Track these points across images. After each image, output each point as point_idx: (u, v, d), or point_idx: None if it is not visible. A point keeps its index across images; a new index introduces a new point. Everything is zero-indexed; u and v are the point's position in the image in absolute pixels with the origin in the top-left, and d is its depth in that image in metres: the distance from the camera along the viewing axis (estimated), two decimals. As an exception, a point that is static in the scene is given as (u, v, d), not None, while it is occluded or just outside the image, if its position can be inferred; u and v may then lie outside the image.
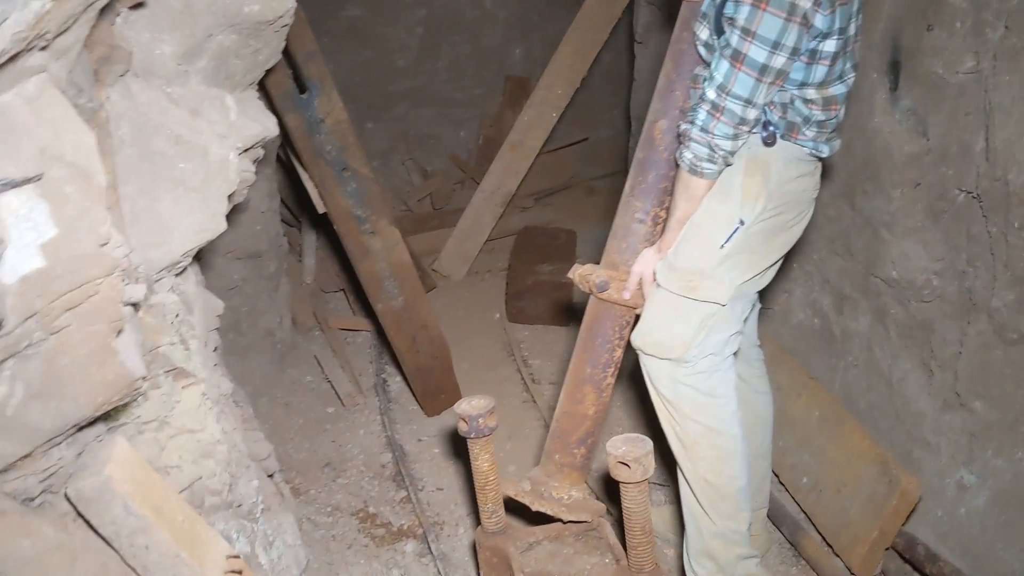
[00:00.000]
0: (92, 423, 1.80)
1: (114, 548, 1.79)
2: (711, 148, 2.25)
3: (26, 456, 1.64)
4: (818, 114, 2.32)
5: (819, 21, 2.14)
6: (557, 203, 6.11)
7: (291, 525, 2.67)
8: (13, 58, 1.32)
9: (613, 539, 2.50)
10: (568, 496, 2.64)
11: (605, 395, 2.63)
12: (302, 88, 3.36)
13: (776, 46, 2.12)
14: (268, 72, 2.69)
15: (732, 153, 2.28)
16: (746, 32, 2.12)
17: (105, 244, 1.57)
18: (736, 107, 2.19)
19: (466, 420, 2.46)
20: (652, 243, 2.52)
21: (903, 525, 2.76)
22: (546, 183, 6.06)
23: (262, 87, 2.85)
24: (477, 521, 3.17)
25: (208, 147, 2.14)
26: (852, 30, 2.28)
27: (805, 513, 3.08)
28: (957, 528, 2.69)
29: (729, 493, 2.48)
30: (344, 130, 3.45)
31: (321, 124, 3.39)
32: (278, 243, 4.11)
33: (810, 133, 2.34)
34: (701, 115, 2.24)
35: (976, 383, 2.60)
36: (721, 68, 2.19)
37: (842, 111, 2.39)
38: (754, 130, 2.32)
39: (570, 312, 4.61)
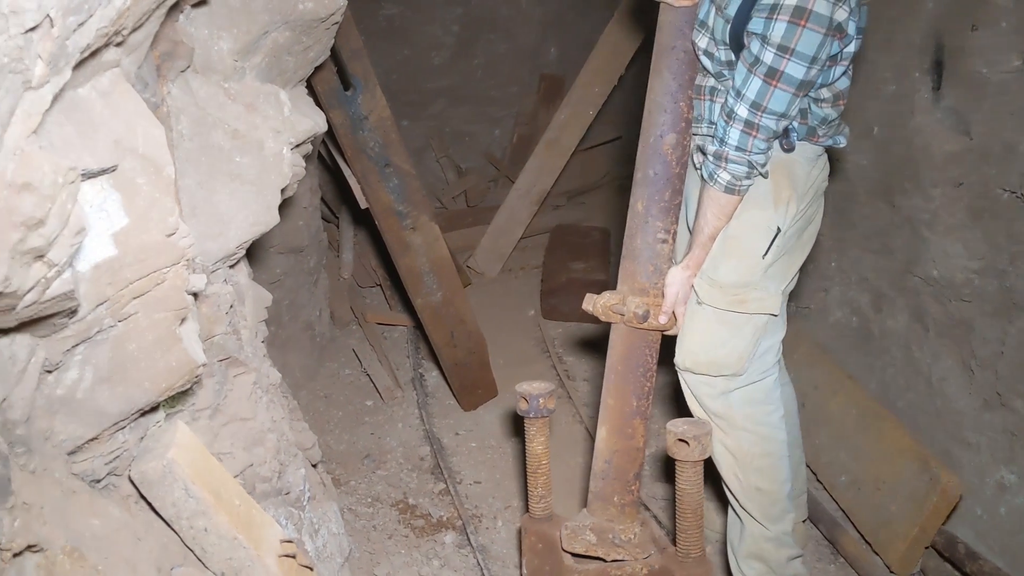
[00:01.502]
0: (154, 409, 1.86)
1: (174, 529, 1.85)
2: (750, 166, 2.22)
3: (94, 439, 1.70)
4: (830, 112, 2.32)
5: (851, 28, 2.14)
6: (590, 201, 6.13)
7: (335, 514, 2.71)
8: (94, 53, 1.37)
9: (658, 531, 2.52)
10: (635, 535, 2.49)
11: (646, 425, 2.53)
12: (346, 85, 3.41)
13: (814, 60, 2.09)
14: (315, 69, 2.75)
15: (765, 164, 2.26)
16: (783, 49, 2.07)
17: (172, 234, 1.62)
18: (771, 122, 2.16)
19: (527, 399, 2.47)
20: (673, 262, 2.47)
21: (943, 524, 2.76)
22: (579, 181, 6.08)
23: (308, 84, 2.90)
24: (514, 515, 3.23)
25: (264, 141, 2.19)
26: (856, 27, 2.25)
27: (843, 511, 3.09)
28: (997, 527, 2.69)
29: (779, 498, 2.48)
30: (387, 127, 3.50)
31: (365, 121, 3.44)
32: (319, 238, 4.17)
33: (824, 131, 2.35)
34: (734, 134, 2.19)
35: (1017, 382, 2.60)
36: (752, 86, 2.14)
37: (838, 109, 2.38)
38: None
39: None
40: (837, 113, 2.34)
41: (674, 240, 2.45)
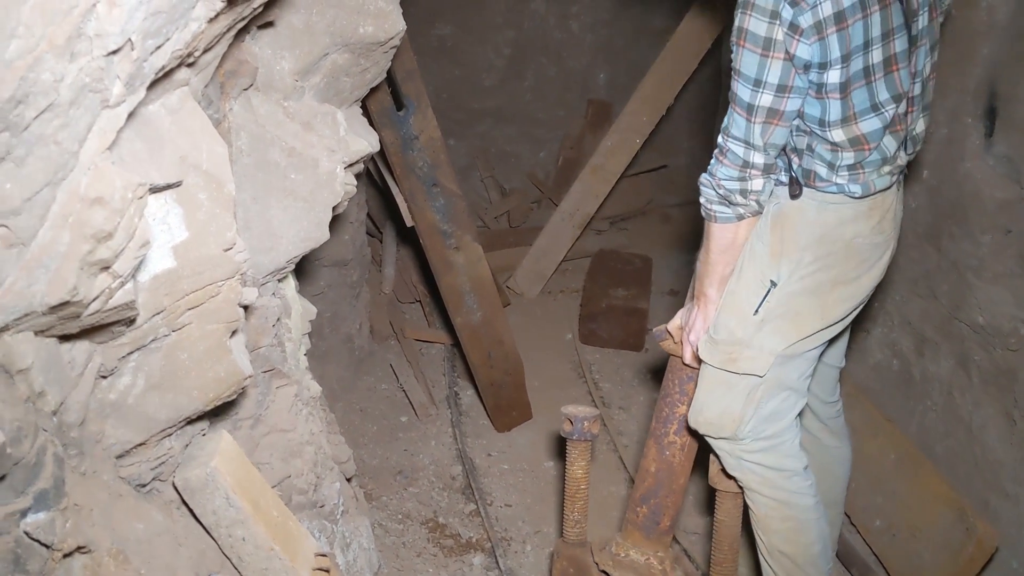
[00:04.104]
0: (200, 417, 1.90)
1: (213, 537, 1.89)
2: (715, 189, 2.17)
3: (141, 444, 1.74)
4: (847, 157, 2.12)
5: (802, 51, 1.97)
6: (632, 228, 6.13)
7: (366, 529, 2.74)
8: (167, 73, 1.42)
9: (689, 567, 2.51)
10: (625, 555, 2.51)
11: (668, 453, 2.47)
12: (399, 105, 3.46)
13: (758, 83, 2.01)
14: (371, 90, 2.80)
15: (746, 194, 2.15)
16: (735, 72, 2.04)
17: (229, 249, 1.67)
18: (737, 148, 2.10)
19: (572, 421, 2.47)
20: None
21: (978, 575, 2.72)
22: (622, 207, 6.09)
23: (362, 103, 2.95)
24: (544, 540, 3.23)
25: (318, 160, 2.24)
26: (877, 58, 2.04)
27: (876, 555, 3.05)
28: (1034, 581, 2.65)
29: (807, 560, 2.39)
30: (436, 147, 3.55)
31: (415, 141, 3.49)
32: (363, 252, 4.22)
33: (840, 178, 2.15)
34: (712, 160, 2.18)
35: (1061, 436, 2.57)
36: (728, 112, 2.12)
37: (887, 147, 2.15)
38: (779, 180, 2.22)
39: (642, 338, 4.63)
40: (858, 159, 2.12)
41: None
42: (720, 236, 2.25)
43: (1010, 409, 2.79)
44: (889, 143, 2.15)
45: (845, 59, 2.00)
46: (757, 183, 2.14)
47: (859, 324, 3.60)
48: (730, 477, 2.39)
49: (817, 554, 2.39)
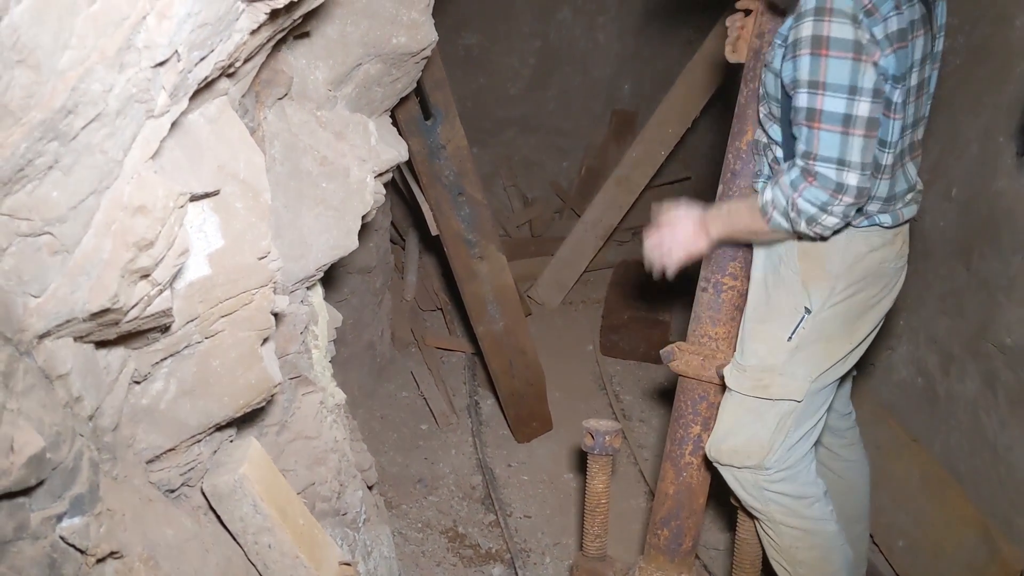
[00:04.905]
0: (229, 424, 1.91)
1: (239, 543, 1.89)
2: (788, 203, 2.00)
3: (172, 449, 1.75)
4: (882, 187, 2.07)
5: (884, 61, 1.90)
6: (654, 239, 6.12)
7: (387, 537, 2.74)
8: (209, 84, 1.43)
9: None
10: None
11: (686, 475, 2.46)
12: (427, 114, 3.48)
13: (853, 91, 1.87)
14: (400, 99, 2.81)
15: (814, 224, 2.00)
16: (813, 84, 1.89)
17: (263, 257, 1.67)
18: (829, 171, 1.92)
19: (593, 435, 2.47)
20: (715, 310, 2.40)
21: (1003, 597, 2.70)
22: (645, 219, 6.04)
23: (391, 112, 2.97)
24: (563, 552, 3.22)
25: (350, 168, 2.25)
26: (915, 81, 2.01)
27: (898, 575, 3.03)
28: (1060, 606, 2.62)
29: None
30: (463, 157, 3.56)
31: (442, 150, 3.50)
32: (386, 260, 4.24)
33: (873, 207, 2.10)
34: (794, 172, 1.99)
35: (1091, 459, 2.54)
36: (802, 134, 1.96)
37: (909, 173, 2.15)
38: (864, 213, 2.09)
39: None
40: (891, 190, 2.10)
41: (715, 290, 2.40)
42: (761, 231, 2.13)
43: (1037, 431, 2.77)
44: (911, 169, 2.16)
45: (900, 80, 1.95)
46: (837, 213, 1.96)
47: (883, 341, 3.58)
48: (748, 514, 2.36)
49: None
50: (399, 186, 4.54)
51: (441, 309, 5.07)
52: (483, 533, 3.34)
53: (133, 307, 1.32)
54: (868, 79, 1.87)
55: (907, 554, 3.01)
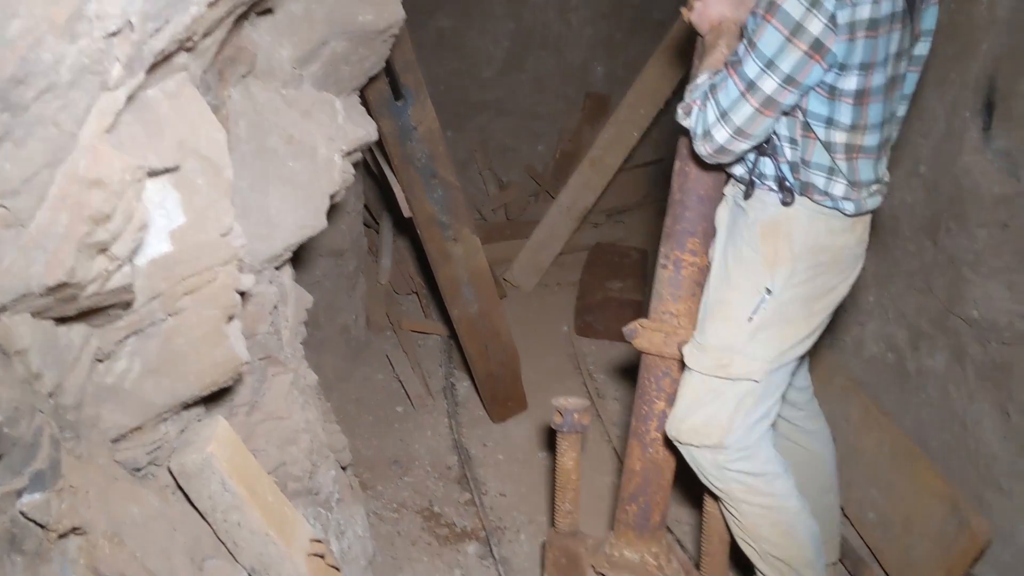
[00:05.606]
0: (196, 403, 1.91)
1: (208, 522, 1.89)
2: (684, 110, 2.14)
3: (137, 428, 1.75)
4: (841, 166, 2.10)
5: (837, 47, 1.92)
6: (628, 221, 6.14)
7: (361, 517, 2.75)
8: (166, 57, 1.42)
9: (681, 556, 2.52)
10: (619, 554, 2.52)
11: (652, 450, 2.46)
12: (397, 95, 3.46)
13: (769, 65, 1.93)
14: (369, 79, 2.80)
15: (705, 136, 2.08)
16: (749, 43, 1.96)
17: (226, 234, 1.67)
18: (712, 112, 2.04)
19: (562, 413, 2.47)
20: (676, 287, 2.39)
21: (970, 568, 2.74)
22: (618, 201, 6.09)
23: (361, 93, 2.95)
24: (538, 529, 3.24)
25: (317, 148, 2.24)
26: (886, 73, 2.02)
27: (869, 548, 3.07)
28: (1025, 575, 2.66)
29: (802, 562, 2.36)
30: (435, 138, 3.55)
31: (414, 132, 3.49)
32: (359, 243, 4.22)
33: (836, 190, 2.13)
34: (694, 112, 2.11)
35: (1055, 430, 2.58)
36: (720, 74, 2.05)
37: (879, 166, 2.17)
38: (771, 187, 2.17)
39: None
40: (851, 175, 2.11)
41: (675, 267, 2.38)
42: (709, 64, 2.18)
43: (1005, 403, 2.80)
44: (882, 164, 2.18)
45: (867, 68, 1.97)
46: (720, 138, 2.06)
47: (854, 317, 3.62)
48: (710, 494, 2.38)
49: (811, 553, 2.37)
50: (372, 169, 4.53)
51: (416, 293, 5.07)
52: (458, 512, 3.35)
53: (91, 282, 1.31)
54: (787, 63, 1.92)
55: (877, 527, 3.05)
